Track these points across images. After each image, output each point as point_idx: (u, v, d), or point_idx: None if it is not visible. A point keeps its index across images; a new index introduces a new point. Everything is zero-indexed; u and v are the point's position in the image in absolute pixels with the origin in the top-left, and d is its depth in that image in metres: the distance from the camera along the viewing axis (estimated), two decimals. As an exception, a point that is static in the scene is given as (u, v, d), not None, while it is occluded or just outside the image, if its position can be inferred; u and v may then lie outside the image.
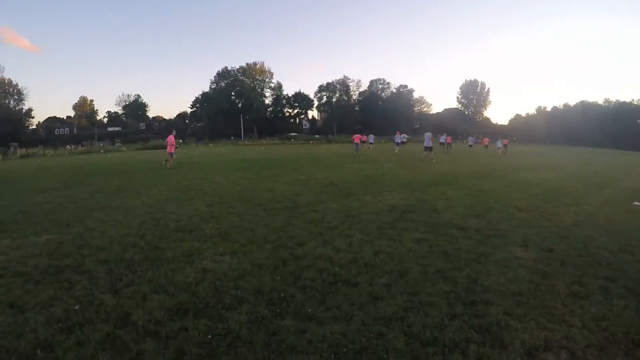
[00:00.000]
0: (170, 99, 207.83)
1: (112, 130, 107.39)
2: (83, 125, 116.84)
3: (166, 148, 22.11)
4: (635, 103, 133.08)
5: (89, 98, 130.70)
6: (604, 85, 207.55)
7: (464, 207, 9.96)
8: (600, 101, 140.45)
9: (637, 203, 12.09)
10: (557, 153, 51.58)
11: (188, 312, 4.07)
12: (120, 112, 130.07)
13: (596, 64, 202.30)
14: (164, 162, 21.08)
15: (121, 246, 6.30)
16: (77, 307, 4.20)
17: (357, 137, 38.01)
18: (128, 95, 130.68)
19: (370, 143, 45.22)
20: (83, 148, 55.77)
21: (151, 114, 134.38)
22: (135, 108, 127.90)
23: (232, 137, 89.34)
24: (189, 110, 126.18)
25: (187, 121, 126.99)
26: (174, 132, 22.89)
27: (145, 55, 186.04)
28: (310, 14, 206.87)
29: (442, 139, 46.99)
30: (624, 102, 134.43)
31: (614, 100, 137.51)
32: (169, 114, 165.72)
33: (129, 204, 10.05)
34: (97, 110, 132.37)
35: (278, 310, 4.11)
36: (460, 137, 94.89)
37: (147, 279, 4.92)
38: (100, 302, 4.28)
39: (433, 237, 6.90)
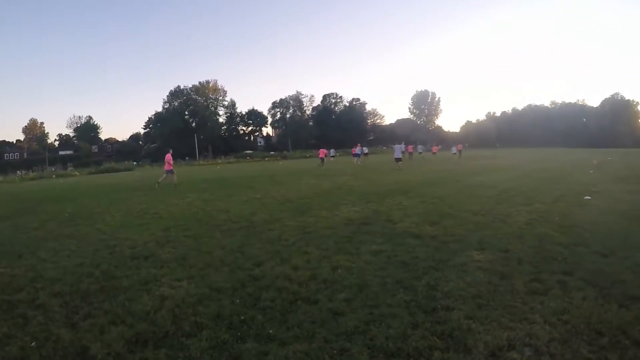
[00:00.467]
0: (123, 120, 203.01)
1: (63, 154, 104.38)
2: (34, 149, 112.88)
3: (164, 167, 22.83)
4: (580, 103, 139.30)
5: (39, 120, 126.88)
6: (549, 89, 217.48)
7: (420, 215, 10.03)
8: (547, 104, 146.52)
9: (588, 197, 12.50)
10: (509, 155, 53.02)
11: (147, 342, 3.93)
12: (71, 134, 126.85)
13: (540, 68, 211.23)
14: (158, 182, 21.63)
15: (76, 277, 6.06)
16: (33, 344, 4.02)
17: (322, 152, 38.70)
18: (79, 117, 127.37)
19: (332, 156, 45.81)
20: (34, 174, 53.87)
21: (104, 135, 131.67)
22: (87, 130, 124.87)
23: (186, 158, 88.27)
24: (142, 131, 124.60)
25: (140, 142, 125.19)
26: (171, 151, 23.67)
27: (97, 75, 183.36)
28: (261, 31, 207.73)
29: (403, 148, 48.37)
30: (570, 103, 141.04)
31: (559, 102, 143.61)
32: (122, 135, 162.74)
33: (83, 232, 9.73)
34: (47, 133, 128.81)
35: (239, 334, 4.01)
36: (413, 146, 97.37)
37: (103, 310, 4.74)
38: (57, 338, 4.09)
39: (390, 248, 6.90)
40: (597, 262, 6.04)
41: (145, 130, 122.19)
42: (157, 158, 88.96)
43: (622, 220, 9.13)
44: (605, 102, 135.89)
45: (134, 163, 77.99)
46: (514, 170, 25.74)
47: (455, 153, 47.67)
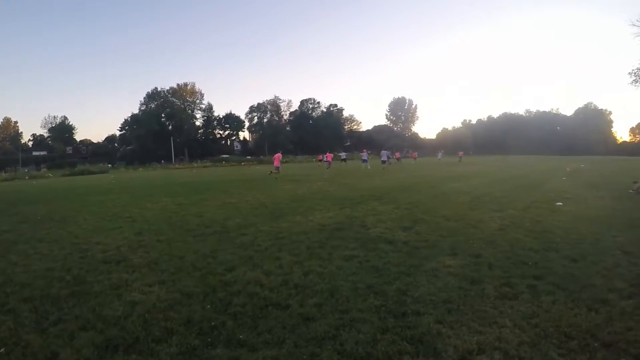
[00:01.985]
0: (98, 121, 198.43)
1: (37, 155, 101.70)
2: (7, 149, 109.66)
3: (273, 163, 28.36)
4: (554, 112, 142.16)
5: (13, 120, 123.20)
6: (525, 97, 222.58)
7: (393, 220, 10.08)
8: (521, 112, 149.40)
9: (559, 203, 12.70)
10: (484, 162, 53.78)
11: (118, 347, 3.87)
12: (46, 135, 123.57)
13: (515, 77, 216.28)
14: (270, 174, 26.81)
15: (46, 281, 5.94)
16: (2, 349, 3.94)
17: (329, 156, 41.28)
18: (54, 117, 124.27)
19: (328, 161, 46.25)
20: (7, 174, 52.94)
21: (79, 137, 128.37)
22: (62, 131, 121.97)
23: (162, 161, 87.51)
24: (118, 133, 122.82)
25: (116, 144, 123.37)
26: (280, 151, 28.96)
27: (73, 74, 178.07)
28: (240, 34, 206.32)
29: (389, 153, 49.75)
30: (544, 112, 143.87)
31: (534, 111, 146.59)
32: (98, 137, 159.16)
33: (55, 235, 9.56)
34: (21, 133, 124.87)
35: (209, 340, 3.97)
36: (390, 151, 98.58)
37: (74, 315, 4.65)
38: (26, 344, 4.00)
39: (363, 253, 6.91)
40: (567, 266, 6.15)
41: (121, 132, 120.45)
42: (132, 161, 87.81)
43: (592, 226, 9.32)
44: (579, 111, 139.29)
45: (109, 165, 76.94)
46: (489, 177, 26.07)
47: (440, 158, 50.39)
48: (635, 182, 17.20)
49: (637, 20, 44.38)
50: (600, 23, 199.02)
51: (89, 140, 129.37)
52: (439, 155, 59.10)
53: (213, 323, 4.32)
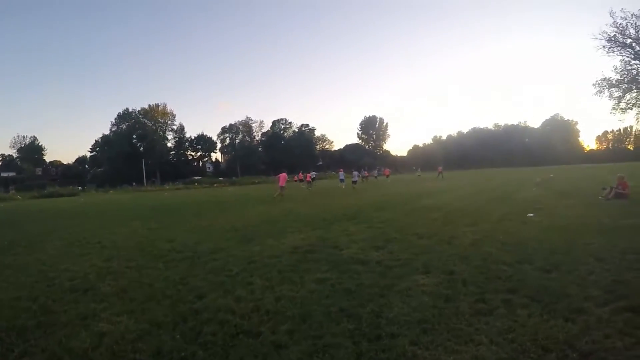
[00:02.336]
0: (69, 142, 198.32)
1: (6, 176, 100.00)
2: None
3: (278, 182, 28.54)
4: (522, 125, 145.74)
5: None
6: (493, 112, 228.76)
7: (366, 240, 9.99)
8: (490, 126, 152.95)
9: (531, 214, 12.86)
10: (456, 176, 54.57)
11: (86, 382, 3.67)
12: (14, 155, 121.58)
13: (484, 93, 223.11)
14: (276, 195, 26.74)
15: (13, 311, 5.72)
16: None
17: (309, 176, 43.15)
18: (24, 137, 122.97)
19: (309, 181, 46.09)
20: (-26, 197, 51.66)
21: (48, 157, 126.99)
22: (32, 151, 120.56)
23: (134, 183, 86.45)
24: (89, 154, 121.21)
25: (86, 166, 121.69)
26: (285, 170, 29.29)
27: (43, 93, 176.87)
28: (212, 54, 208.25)
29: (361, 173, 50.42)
30: (512, 125, 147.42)
31: (502, 124, 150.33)
32: (68, 158, 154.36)
33: (22, 262, 9.30)
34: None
35: (179, 372, 3.79)
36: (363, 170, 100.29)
37: (40, 347, 4.47)
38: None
39: (335, 276, 6.80)
40: (541, 278, 6.18)
41: (92, 154, 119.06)
42: (103, 183, 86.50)
43: (564, 235, 9.44)
44: (546, 123, 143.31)
45: (79, 188, 75.67)
46: (461, 191, 26.45)
47: (419, 174, 52.00)
48: (604, 189, 17.68)
49: (600, 34, 45.96)
50: (564, 37, 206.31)
51: (59, 161, 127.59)
52: (417, 171, 60.31)
53: (183, 354, 4.17)
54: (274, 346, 4.25)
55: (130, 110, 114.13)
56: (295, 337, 4.45)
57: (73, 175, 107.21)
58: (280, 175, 29.06)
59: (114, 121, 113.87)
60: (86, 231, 14.17)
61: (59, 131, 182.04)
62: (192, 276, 7.26)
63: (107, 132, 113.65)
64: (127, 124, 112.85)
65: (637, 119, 49.44)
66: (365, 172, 55.89)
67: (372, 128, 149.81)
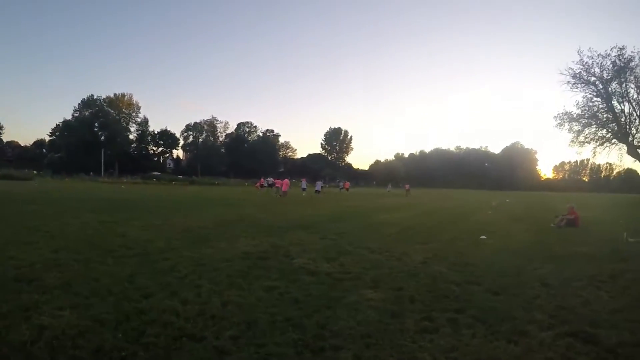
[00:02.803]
0: (29, 123, 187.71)
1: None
2: None
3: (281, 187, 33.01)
4: (483, 150, 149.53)
5: None
6: (456, 134, 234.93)
7: (318, 251, 9.98)
8: (452, 148, 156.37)
9: (483, 237, 13.12)
10: (415, 194, 55.29)
11: (23, 377, 3.55)
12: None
13: (449, 115, 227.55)
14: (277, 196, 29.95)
15: (-49, 299, 5.48)
16: None
17: (286, 183, 41.62)
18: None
19: (303, 189, 46.28)
20: None
21: (5, 137, 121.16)
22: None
23: (91, 173, 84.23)
24: (47, 138, 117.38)
25: (44, 150, 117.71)
26: (288, 178, 28.88)
27: (6, 69, 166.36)
28: (183, 50, 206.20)
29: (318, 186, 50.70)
30: (473, 149, 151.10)
31: (464, 147, 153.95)
32: (26, 139, 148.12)
33: (-34, 247, 8.92)
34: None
35: (118, 372, 3.72)
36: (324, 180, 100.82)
37: (-21, 339, 4.29)
38: None
39: (284, 284, 6.77)
40: (489, 299, 6.30)
41: (51, 138, 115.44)
42: (59, 169, 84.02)
43: (514, 259, 9.68)
44: (506, 150, 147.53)
45: (34, 172, 73.45)
46: (417, 209, 26.81)
47: (389, 190, 53.43)
48: (556, 217, 18.21)
49: (565, 70, 47.62)
50: (529, 69, 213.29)
51: (17, 142, 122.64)
52: (388, 187, 61.25)
53: (124, 353, 4.08)
54: (217, 351, 4.21)
55: (95, 97, 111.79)
56: (239, 343, 4.41)
57: (29, 158, 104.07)
58: (284, 181, 30.24)
59: (77, 106, 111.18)
60: (37, 219, 13.82)
61: (19, 110, 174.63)
62: (140, 274, 7.11)
63: (68, 117, 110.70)
64: (90, 111, 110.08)
65: (594, 153, 51.74)
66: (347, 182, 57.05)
67: (336, 140, 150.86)
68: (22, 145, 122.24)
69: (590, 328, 5.14)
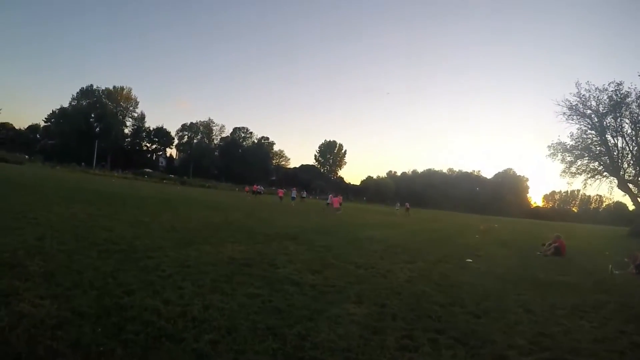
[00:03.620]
0: (25, 107, 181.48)
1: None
2: None
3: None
4: (475, 174, 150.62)
5: None
6: (449, 157, 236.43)
7: (304, 262, 9.94)
8: (445, 170, 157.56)
9: (469, 260, 13.16)
10: (403, 213, 55.26)
11: (-3, 363, 3.52)
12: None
13: (443, 137, 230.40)
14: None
15: None
16: None
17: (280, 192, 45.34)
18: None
19: (293, 198, 46.85)
20: None
21: (1, 118, 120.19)
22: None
23: (83, 163, 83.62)
24: (42, 124, 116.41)
25: (38, 136, 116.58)
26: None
27: (8, 51, 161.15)
28: (186, 50, 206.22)
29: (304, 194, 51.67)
30: (466, 172, 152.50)
31: (457, 170, 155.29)
32: (21, 122, 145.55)
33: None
34: None
35: (95, 366, 3.67)
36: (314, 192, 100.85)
37: (-45, 322, 4.23)
38: None
39: (267, 293, 6.74)
40: (470, 322, 6.31)
41: (46, 124, 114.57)
42: (51, 157, 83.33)
43: (498, 284, 9.73)
44: (498, 175, 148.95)
45: (26, 157, 72.92)
46: (405, 228, 26.87)
47: (398, 209, 57.07)
48: (543, 245, 18.34)
49: (562, 101, 48.13)
50: (526, 97, 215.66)
51: (11, 124, 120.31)
52: (397, 205, 61.61)
53: (102, 348, 4.03)
54: (195, 354, 4.17)
55: (94, 87, 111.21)
56: (218, 348, 4.38)
57: (23, 142, 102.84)
58: (336, 199, 34.21)
59: (75, 95, 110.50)
60: (24, 204, 13.70)
61: (17, 93, 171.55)
62: (124, 270, 7.05)
63: (65, 105, 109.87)
64: (88, 100, 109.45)
65: (585, 184, 52.14)
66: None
67: (330, 152, 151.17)
68: (16, 128, 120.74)
69: (571, 356, 5.20)
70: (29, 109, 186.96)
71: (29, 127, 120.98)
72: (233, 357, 4.22)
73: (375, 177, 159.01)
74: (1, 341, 3.94)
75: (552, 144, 51.60)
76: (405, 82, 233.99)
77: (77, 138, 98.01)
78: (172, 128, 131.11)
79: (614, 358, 5.33)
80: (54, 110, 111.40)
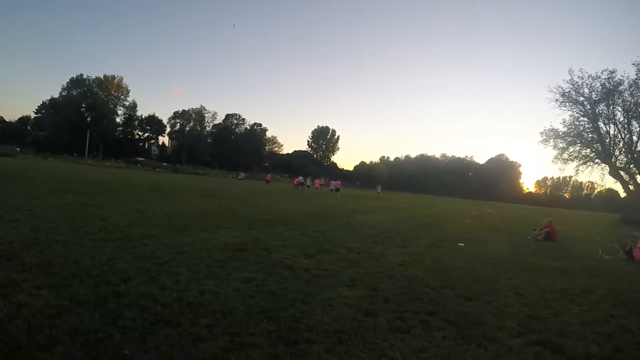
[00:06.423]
0: (15, 99, 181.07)
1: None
2: None
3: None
4: (468, 159, 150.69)
5: None
6: (442, 142, 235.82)
7: (297, 247, 10.04)
8: (437, 155, 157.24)
9: (461, 244, 13.30)
10: (396, 198, 55.65)
11: (-2, 352, 3.59)
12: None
13: (436, 122, 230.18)
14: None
15: None
16: None
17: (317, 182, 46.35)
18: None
19: (308, 185, 46.78)
20: None
21: None
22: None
23: (75, 154, 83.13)
24: (33, 115, 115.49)
25: (29, 127, 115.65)
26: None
27: None
28: (177, 36, 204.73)
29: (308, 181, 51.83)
30: (458, 158, 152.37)
31: (449, 156, 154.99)
32: (11, 115, 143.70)
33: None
34: None
35: (94, 352, 3.76)
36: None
37: (-46, 315, 4.28)
38: None
39: (262, 277, 6.83)
40: (461, 304, 6.45)
41: (37, 116, 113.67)
42: (43, 148, 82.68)
43: (490, 268, 9.88)
44: (490, 161, 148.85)
45: (17, 149, 72.33)
46: (398, 213, 27.00)
47: (379, 192, 57.64)
48: (534, 230, 18.49)
49: (555, 88, 48.26)
50: (515, 84, 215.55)
51: (1, 116, 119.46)
52: (378, 189, 62.00)
53: (100, 335, 4.10)
54: (192, 338, 4.25)
55: (84, 77, 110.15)
56: (214, 332, 4.47)
57: (13, 134, 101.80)
58: (335, 182, 31.35)
59: (65, 85, 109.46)
60: (18, 197, 13.62)
61: (5, 85, 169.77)
62: (119, 258, 7.11)
63: (56, 96, 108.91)
64: (78, 90, 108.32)
65: (577, 170, 52.40)
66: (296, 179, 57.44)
67: (323, 138, 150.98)
68: (6, 120, 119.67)
69: (559, 338, 5.32)
70: (19, 101, 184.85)
71: (20, 119, 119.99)
72: (229, 340, 4.30)
73: (368, 162, 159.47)
74: (1, 331, 3.99)
75: (544, 130, 51.74)
76: (399, 67, 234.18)
77: (68, 128, 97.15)
78: (164, 116, 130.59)
79: (602, 340, 5.43)
80: (44, 101, 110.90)
